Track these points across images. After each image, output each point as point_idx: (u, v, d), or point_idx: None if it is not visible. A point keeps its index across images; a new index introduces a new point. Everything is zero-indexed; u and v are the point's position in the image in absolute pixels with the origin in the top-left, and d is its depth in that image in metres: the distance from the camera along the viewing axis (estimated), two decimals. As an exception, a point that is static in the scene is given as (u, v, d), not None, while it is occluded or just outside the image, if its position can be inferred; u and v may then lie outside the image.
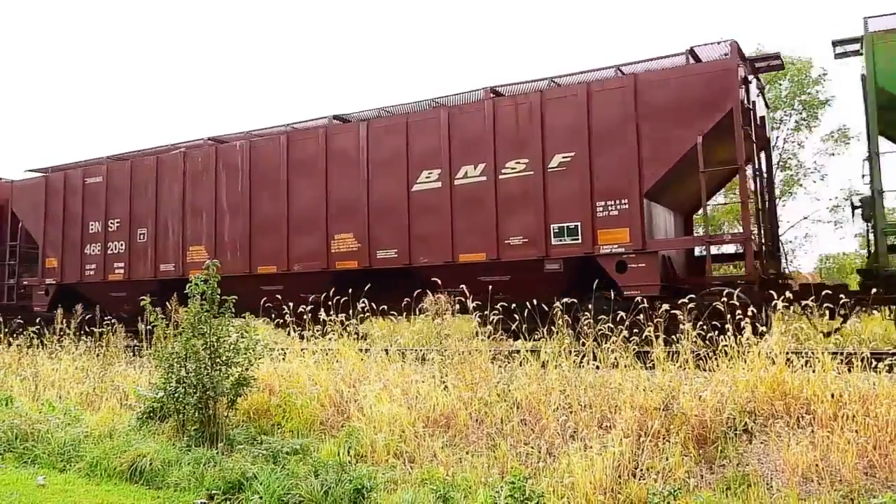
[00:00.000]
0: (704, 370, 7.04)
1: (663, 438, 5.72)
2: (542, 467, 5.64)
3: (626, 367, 7.03)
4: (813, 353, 6.54)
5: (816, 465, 5.23)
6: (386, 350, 8.94)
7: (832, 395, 5.88)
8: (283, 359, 9.13)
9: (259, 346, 7.87)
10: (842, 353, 6.79)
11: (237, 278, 13.03)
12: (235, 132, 15.09)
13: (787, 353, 6.62)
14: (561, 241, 10.82)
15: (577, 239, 10.71)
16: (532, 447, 6.02)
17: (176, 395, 7.36)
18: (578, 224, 10.72)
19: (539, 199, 10.97)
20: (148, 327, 8.54)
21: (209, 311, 7.46)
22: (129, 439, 7.31)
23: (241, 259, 13.81)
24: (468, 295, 8.66)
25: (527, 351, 7.83)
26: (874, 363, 6.50)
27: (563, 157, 10.90)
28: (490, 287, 9.41)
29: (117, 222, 15.67)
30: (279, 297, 11.81)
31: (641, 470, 5.43)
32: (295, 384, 8.13)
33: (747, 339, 6.90)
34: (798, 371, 6.37)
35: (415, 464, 6.18)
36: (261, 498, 5.75)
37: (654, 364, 7.16)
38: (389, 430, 6.61)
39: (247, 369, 7.53)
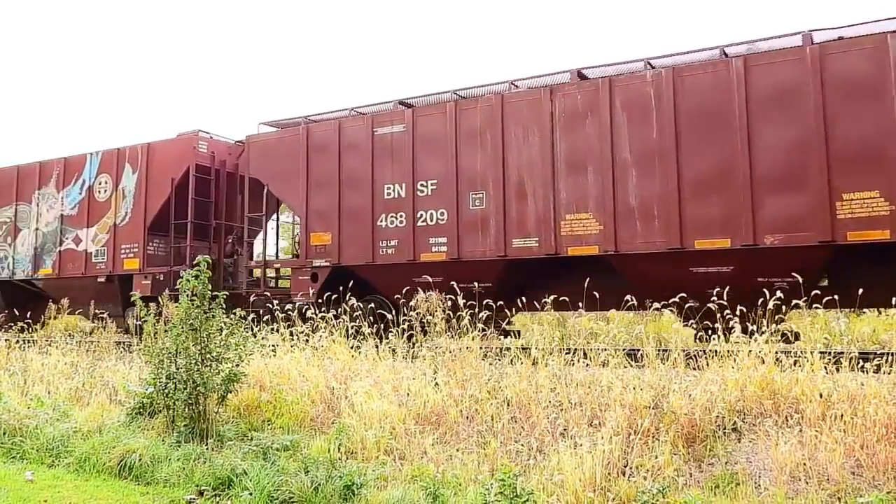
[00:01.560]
0: (694, 369, 7.07)
1: (653, 437, 5.74)
2: (532, 465, 5.65)
3: (616, 365, 7.05)
4: (802, 352, 6.58)
5: (804, 464, 5.27)
6: (376, 346, 8.93)
7: (820, 395, 5.91)
8: (274, 355, 9.11)
9: (249, 342, 7.86)
10: (830, 353, 6.83)
11: (652, 257, 10.24)
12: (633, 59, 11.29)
13: (777, 352, 6.66)
14: None
15: None
16: (522, 445, 6.04)
17: (166, 390, 7.35)
18: None
19: None
20: (137, 323, 8.49)
21: (200, 307, 7.44)
22: (118, 435, 7.28)
23: (661, 230, 10.18)
24: None
25: (517, 349, 7.84)
26: (861, 363, 6.54)
27: None
28: None
29: (433, 184, 11.93)
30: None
31: (631, 468, 5.46)
32: (285, 380, 8.11)
33: (736, 338, 6.93)
34: (787, 370, 6.41)
35: (405, 461, 6.18)
36: (250, 494, 5.74)
37: (644, 362, 7.19)
38: (380, 426, 6.62)
39: (237, 365, 7.52)
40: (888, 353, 6.55)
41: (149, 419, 7.71)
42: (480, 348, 8.04)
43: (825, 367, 6.37)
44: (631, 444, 5.66)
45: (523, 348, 7.93)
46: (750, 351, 6.71)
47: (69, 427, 7.75)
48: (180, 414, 7.31)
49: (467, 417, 6.83)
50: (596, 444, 5.53)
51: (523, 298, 9.18)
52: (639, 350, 7.55)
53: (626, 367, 7.15)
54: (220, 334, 7.52)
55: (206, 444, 6.83)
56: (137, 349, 10.18)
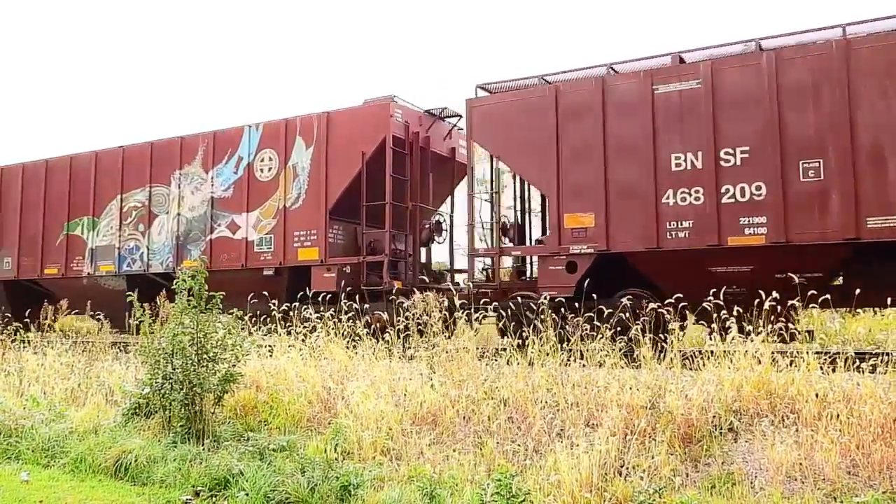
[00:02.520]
0: (691, 369, 7.07)
1: (649, 437, 5.75)
2: (528, 465, 5.65)
3: (612, 365, 7.06)
4: (798, 352, 6.59)
5: (800, 464, 5.28)
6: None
7: (816, 395, 5.93)
8: (271, 355, 9.10)
9: (246, 342, 7.85)
10: (826, 353, 6.84)
11: None
12: None
13: (773, 352, 6.67)
14: None
15: None
16: (519, 445, 6.04)
17: (162, 391, 7.33)
18: None
19: None
20: (135, 322, 8.47)
21: (196, 307, 7.43)
22: (114, 435, 7.26)
23: None
24: None
25: (513, 349, 7.85)
26: (857, 363, 6.55)
27: None
28: None
29: (743, 152, 9.77)
30: None
31: (627, 468, 5.46)
32: (282, 381, 8.10)
33: (732, 338, 6.94)
34: (783, 371, 6.42)
35: (402, 461, 6.18)
36: (247, 495, 5.73)
37: (640, 363, 7.20)
38: (377, 427, 6.61)
39: (234, 365, 7.51)
40: (883, 353, 6.57)
41: (145, 420, 7.68)
42: (477, 348, 8.04)
43: (821, 367, 6.38)
44: (627, 444, 5.67)
45: (519, 347, 7.93)
46: (746, 351, 6.72)
47: (65, 427, 7.73)
48: (176, 414, 7.29)
49: (464, 418, 6.83)
50: (592, 444, 5.53)
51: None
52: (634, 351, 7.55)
53: (622, 367, 7.15)
54: (217, 334, 7.51)
55: (203, 445, 6.81)
56: (134, 349, 10.15)
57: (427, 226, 13.67)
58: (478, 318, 9.05)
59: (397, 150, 12.84)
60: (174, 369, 7.28)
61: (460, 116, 13.70)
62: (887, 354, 6.41)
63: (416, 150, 13.39)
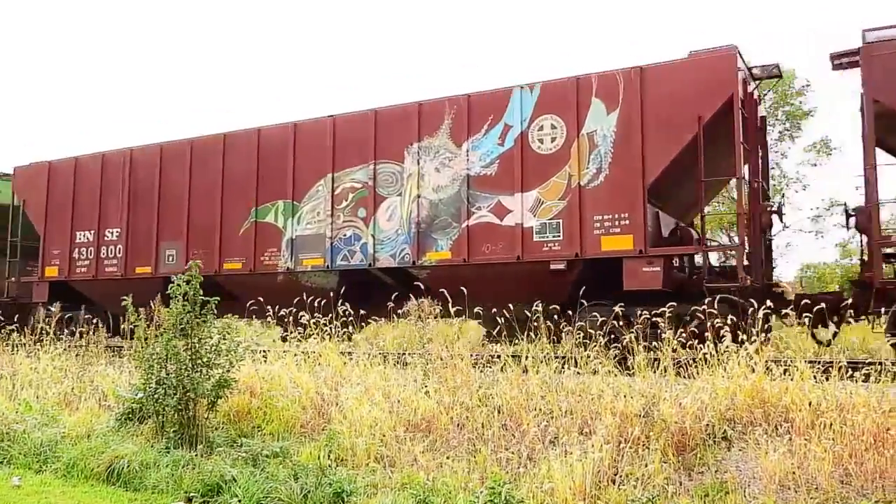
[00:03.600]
0: (685, 377, 7.08)
1: (643, 445, 5.75)
2: (522, 473, 5.65)
3: (607, 373, 7.06)
4: (792, 361, 6.60)
5: (793, 473, 5.28)
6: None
7: (810, 404, 5.94)
8: (265, 360, 9.09)
9: (240, 347, 7.84)
10: (819, 362, 6.85)
11: None
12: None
13: (767, 361, 6.68)
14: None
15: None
16: (512, 452, 6.03)
17: (156, 396, 7.31)
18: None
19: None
20: (130, 327, 8.46)
21: (191, 312, 7.42)
22: (107, 440, 7.25)
23: None
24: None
25: (508, 356, 7.84)
26: (851, 372, 6.57)
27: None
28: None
29: None
30: None
31: (621, 476, 5.46)
32: (276, 386, 8.09)
33: (727, 347, 6.95)
34: (777, 379, 6.43)
35: (395, 468, 6.17)
36: (239, 501, 5.72)
37: (634, 371, 7.20)
38: (370, 433, 6.60)
39: (228, 371, 7.49)
40: (876, 362, 6.58)
41: (138, 425, 7.66)
42: (471, 355, 8.03)
43: (814, 376, 6.40)
44: (621, 452, 5.66)
45: (514, 356, 7.92)
46: (740, 360, 6.73)
47: (57, 432, 7.71)
48: (170, 420, 7.27)
49: (458, 425, 6.82)
50: (586, 452, 5.53)
51: None
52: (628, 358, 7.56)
53: (616, 374, 7.15)
54: (212, 339, 7.50)
55: (196, 451, 6.79)
56: (128, 354, 10.12)
57: (769, 209, 11.33)
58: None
59: (743, 114, 10.54)
60: (168, 374, 7.27)
61: (779, 77, 11.86)
62: (880, 363, 6.42)
63: (752, 115, 11.18)
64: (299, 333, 9.43)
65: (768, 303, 7.69)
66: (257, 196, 13.70)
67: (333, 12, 70.86)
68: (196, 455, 6.67)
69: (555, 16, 65.27)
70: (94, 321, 12.06)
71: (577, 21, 64.41)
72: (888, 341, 9.45)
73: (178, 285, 7.51)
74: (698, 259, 11.81)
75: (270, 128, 13.88)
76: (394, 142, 12.38)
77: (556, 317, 8.95)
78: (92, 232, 15.70)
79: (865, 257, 10.77)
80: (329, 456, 6.44)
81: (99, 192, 15.69)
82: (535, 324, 8.12)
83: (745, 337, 6.92)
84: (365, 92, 61.08)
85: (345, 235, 12.70)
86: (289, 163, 13.41)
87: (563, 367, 7.41)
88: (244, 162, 13.93)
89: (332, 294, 11.13)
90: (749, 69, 11.30)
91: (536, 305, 8.31)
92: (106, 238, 15.56)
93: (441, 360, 7.77)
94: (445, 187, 11.89)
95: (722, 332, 7.13)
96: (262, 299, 11.55)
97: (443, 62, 64.99)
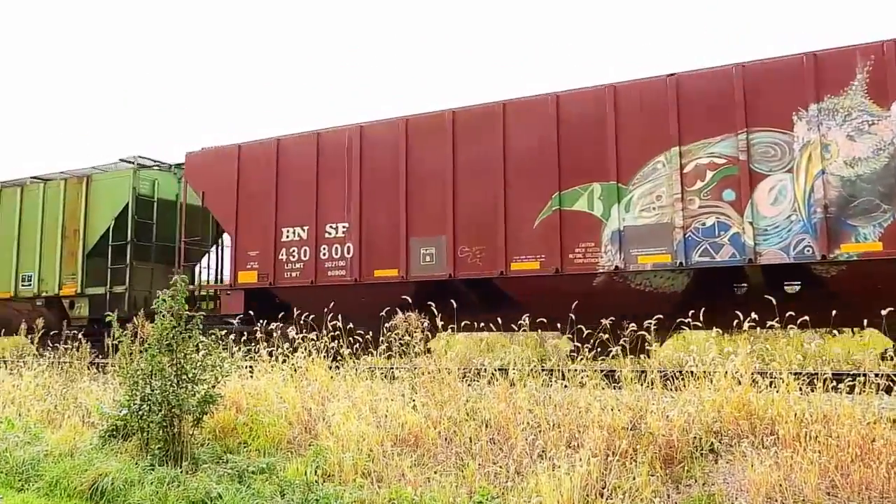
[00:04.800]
0: (672, 390, 7.10)
1: (630, 458, 5.76)
2: (510, 487, 5.64)
3: (594, 386, 7.07)
4: (778, 373, 6.64)
5: (780, 485, 5.30)
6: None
7: (795, 416, 5.97)
8: (251, 376, 9.03)
9: (226, 363, 7.79)
10: (802, 373, 6.89)
11: None
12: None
13: (753, 373, 6.71)
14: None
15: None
16: (500, 466, 6.03)
17: (140, 412, 7.25)
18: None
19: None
20: (113, 342, 8.39)
21: (176, 328, 7.38)
22: (90, 458, 7.17)
23: None
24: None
25: (495, 369, 7.84)
26: (835, 383, 6.60)
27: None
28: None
29: None
30: None
31: (609, 490, 5.46)
32: (262, 402, 8.04)
33: (713, 358, 6.98)
34: (763, 391, 6.47)
35: (382, 483, 6.14)
36: (225, 518, 5.67)
37: (622, 383, 7.22)
38: (357, 448, 6.57)
39: (213, 386, 7.44)
40: (860, 374, 6.63)
41: (122, 442, 7.59)
42: (458, 368, 8.02)
43: (800, 388, 6.43)
44: (609, 465, 5.67)
45: (501, 369, 7.93)
46: (726, 372, 6.76)
47: (40, 450, 7.62)
48: (154, 436, 7.21)
49: (445, 439, 6.80)
50: (574, 465, 5.53)
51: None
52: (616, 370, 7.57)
53: (603, 387, 7.17)
54: (197, 354, 7.45)
55: (181, 468, 6.73)
56: (112, 370, 10.03)
57: None
58: None
59: None
60: (153, 390, 7.21)
61: None
62: (864, 375, 6.47)
63: None
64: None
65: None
66: (560, 177, 10.97)
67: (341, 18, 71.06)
68: (181, 472, 6.61)
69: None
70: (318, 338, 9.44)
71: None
72: None
73: (163, 300, 7.47)
74: None
75: (574, 93, 11.24)
76: (773, 104, 9.85)
77: None
78: (306, 228, 12.78)
79: None
80: (316, 472, 6.40)
81: (315, 179, 12.81)
82: None
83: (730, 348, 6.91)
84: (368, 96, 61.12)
85: (703, 224, 10.07)
86: (608, 134, 10.70)
87: (550, 381, 7.42)
88: (536, 135, 11.23)
89: (673, 299, 9.41)
90: None
91: None
92: (327, 235, 12.60)
93: (429, 373, 7.75)
94: (866, 160, 9.38)
95: None
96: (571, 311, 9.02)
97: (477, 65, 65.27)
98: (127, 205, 15.55)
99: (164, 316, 7.41)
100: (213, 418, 7.66)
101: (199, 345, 7.53)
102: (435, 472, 6.18)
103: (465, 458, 6.28)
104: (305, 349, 9.19)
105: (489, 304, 11.41)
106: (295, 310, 11.54)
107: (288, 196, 13.09)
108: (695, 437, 6.07)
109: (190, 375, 7.30)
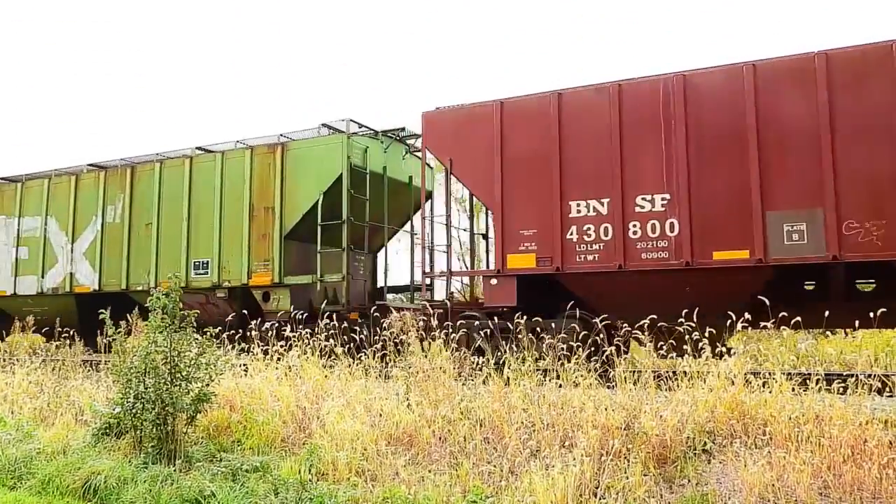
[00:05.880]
0: (666, 390, 7.12)
1: (624, 458, 5.78)
2: (503, 486, 5.65)
3: (589, 385, 7.08)
4: (770, 373, 6.66)
5: (773, 485, 5.32)
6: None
7: (788, 417, 5.99)
8: (245, 374, 9.02)
9: (220, 361, 7.78)
10: (792, 374, 6.90)
11: None
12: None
13: (746, 373, 6.74)
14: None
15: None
16: (494, 466, 6.03)
17: (133, 410, 7.23)
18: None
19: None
20: (106, 340, 8.37)
21: (170, 326, 7.37)
22: (83, 456, 7.15)
23: None
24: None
25: (490, 369, 7.85)
26: (827, 384, 6.62)
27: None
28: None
29: None
30: None
31: (602, 489, 5.48)
32: (256, 400, 8.03)
33: (706, 359, 6.99)
34: (756, 392, 6.49)
35: (377, 482, 6.14)
36: (219, 517, 5.66)
37: (615, 383, 7.23)
38: (351, 447, 6.57)
39: (207, 385, 7.43)
40: (852, 375, 6.65)
41: (115, 440, 7.57)
42: (454, 368, 8.03)
43: (793, 389, 6.46)
44: (602, 464, 5.68)
45: (496, 367, 7.93)
46: (719, 372, 6.78)
47: (33, 448, 7.60)
48: (148, 434, 7.19)
49: (440, 438, 6.80)
50: (568, 465, 5.54)
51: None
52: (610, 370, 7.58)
53: (597, 387, 7.18)
54: (191, 353, 7.44)
55: (174, 466, 6.72)
56: (105, 368, 10.00)
57: None
58: None
59: None
60: (146, 388, 7.19)
61: None
62: (856, 376, 6.50)
63: None
64: None
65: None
66: None
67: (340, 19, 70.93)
68: (174, 470, 6.60)
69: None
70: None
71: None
72: None
73: (157, 298, 7.46)
74: None
75: None
76: None
77: None
78: (605, 202, 10.39)
79: None
80: (310, 470, 6.39)
81: (616, 141, 10.40)
82: None
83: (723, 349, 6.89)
84: (372, 96, 60.93)
85: None
86: None
87: (545, 380, 7.43)
88: None
89: None
90: None
91: None
92: (639, 209, 10.20)
93: (423, 372, 7.75)
94: None
95: None
96: None
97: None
98: (340, 177, 12.79)
99: (157, 314, 7.40)
100: (207, 417, 7.65)
101: (194, 342, 7.52)
102: (429, 471, 6.19)
103: (460, 457, 6.29)
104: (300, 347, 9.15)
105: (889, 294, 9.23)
106: (585, 301, 9.94)
107: (576, 162, 10.62)
108: (688, 437, 6.09)
109: (184, 374, 7.28)
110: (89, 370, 10.89)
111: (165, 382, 7.14)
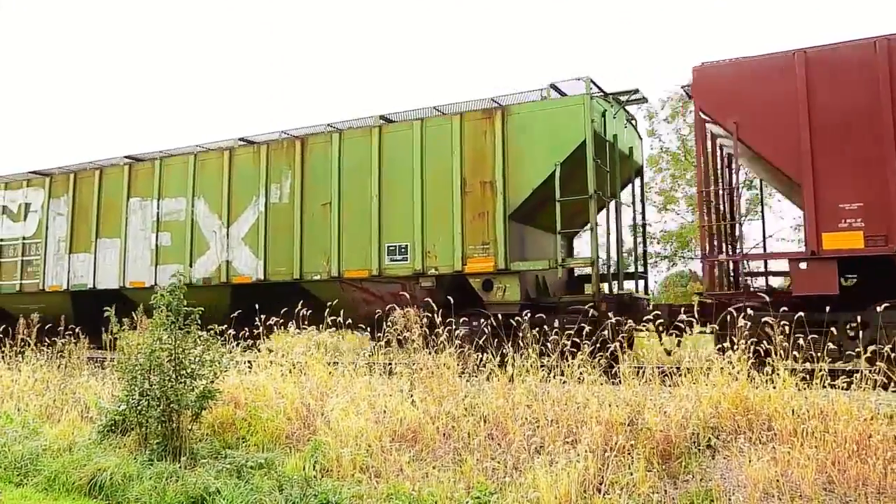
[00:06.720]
0: (669, 385, 7.11)
1: (628, 453, 5.77)
2: (507, 482, 5.65)
3: (592, 381, 7.08)
4: (774, 369, 6.64)
5: (777, 481, 5.32)
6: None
7: (792, 412, 5.99)
8: (250, 371, 9.03)
9: (224, 358, 7.80)
10: (799, 371, 6.89)
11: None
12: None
13: (749, 368, 6.72)
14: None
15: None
16: (498, 462, 6.04)
17: (139, 407, 7.25)
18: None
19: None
20: (111, 337, 8.38)
21: (175, 323, 7.38)
22: (89, 453, 7.17)
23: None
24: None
25: (494, 365, 7.85)
26: (831, 380, 6.60)
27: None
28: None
29: None
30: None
31: (606, 485, 5.48)
32: (261, 397, 8.04)
33: (707, 355, 6.98)
34: (760, 387, 6.48)
35: (381, 478, 6.15)
36: (224, 513, 5.68)
37: (620, 379, 7.22)
38: (356, 444, 6.58)
39: (212, 382, 7.44)
40: (857, 371, 6.64)
41: (121, 437, 7.59)
42: (457, 364, 8.03)
43: (797, 384, 6.45)
44: (606, 460, 5.68)
45: (500, 364, 7.93)
46: (722, 368, 6.78)
47: (39, 445, 7.62)
48: (153, 431, 7.21)
49: (444, 434, 6.81)
50: (571, 460, 5.54)
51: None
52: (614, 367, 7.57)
53: (602, 383, 7.18)
54: (196, 350, 7.45)
55: (179, 463, 6.74)
56: (110, 365, 10.01)
57: None
58: None
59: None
60: (151, 385, 7.21)
61: None
62: (860, 372, 6.49)
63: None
64: None
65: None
66: None
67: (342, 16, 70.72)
68: (180, 467, 6.62)
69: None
70: None
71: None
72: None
73: (161, 296, 7.47)
74: None
75: None
76: None
77: None
78: None
79: None
80: (314, 467, 6.41)
81: None
82: None
83: None
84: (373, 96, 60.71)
85: None
86: None
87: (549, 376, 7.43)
88: None
89: None
90: None
91: None
92: None
93: (427, 368, 7.76)
94: None
95: None
96: None
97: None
98: (581, 144, 10.88)
99: (162, 311, 7.41)
100: (212, 413, 7.66)
101: (198, 339, 7.53)
102: (433, 468, 6.20)
103: (464, 454, 6.29)
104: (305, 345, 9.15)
105: None
106: None
107: None
108: (692, 433, 6.08)
109: (188, 371, 7.30)
110: (95, 367, 10.90)
111: (170, 379, 7.16)
